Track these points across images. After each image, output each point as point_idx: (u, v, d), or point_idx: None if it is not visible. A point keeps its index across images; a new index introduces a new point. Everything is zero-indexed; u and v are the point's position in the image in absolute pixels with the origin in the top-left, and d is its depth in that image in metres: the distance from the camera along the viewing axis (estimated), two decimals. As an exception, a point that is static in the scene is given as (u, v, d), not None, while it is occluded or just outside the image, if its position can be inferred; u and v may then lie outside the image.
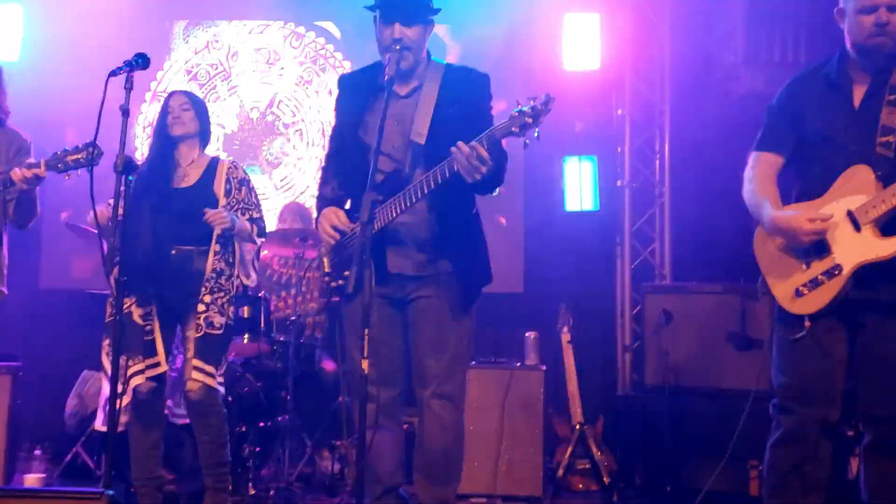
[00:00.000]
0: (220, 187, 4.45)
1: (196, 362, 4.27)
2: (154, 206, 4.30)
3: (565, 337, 5.74)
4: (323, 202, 3.53)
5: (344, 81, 3.67)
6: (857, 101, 3.25)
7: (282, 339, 5.56)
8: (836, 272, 3.13)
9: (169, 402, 4.75)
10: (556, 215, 7.05)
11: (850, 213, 3.14)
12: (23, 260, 6.77)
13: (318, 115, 7.13)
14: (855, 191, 3.15)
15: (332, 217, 3.42)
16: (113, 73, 3.44)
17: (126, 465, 4.42)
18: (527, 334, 5.96)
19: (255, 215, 4.52)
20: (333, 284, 3.49)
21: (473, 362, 5.77)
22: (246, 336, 5.54)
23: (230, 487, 4.56)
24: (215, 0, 7.39)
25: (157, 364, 4.27)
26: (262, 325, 5.52)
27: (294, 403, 5.37)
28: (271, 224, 6.72)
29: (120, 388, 4.18)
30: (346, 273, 3.37)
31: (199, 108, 4.52)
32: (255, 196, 4.57)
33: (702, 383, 5.64)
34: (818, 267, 3.17)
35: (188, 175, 4.47)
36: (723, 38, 6.54)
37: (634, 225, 7.07)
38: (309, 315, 5.71)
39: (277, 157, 7.19)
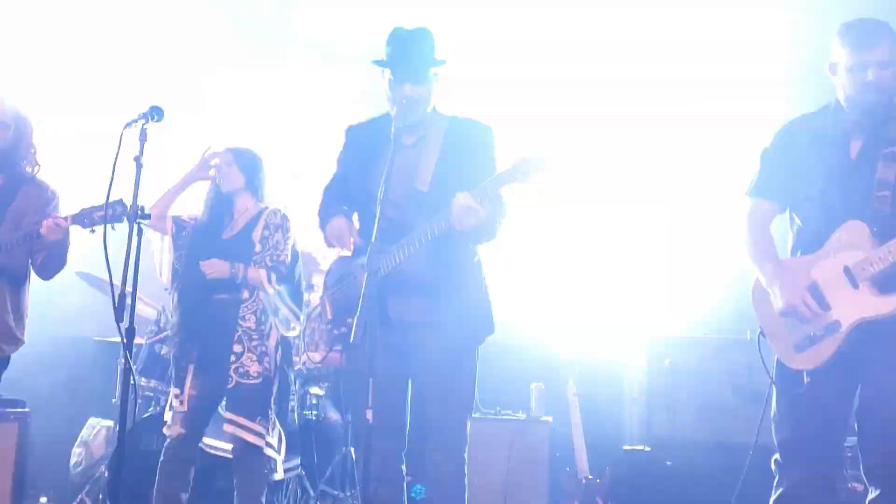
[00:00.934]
0: (258, 234, 4.54)
1: (228, 414, 4.31)
2: (202, 256, 4.42)
3: (571, 389, 5.73)
4: (334, 212, 3.55)
5: (351, 132, 3.74)
6: (853, 155, 3.27)
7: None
8: (836, 328, 3.14)
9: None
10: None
11: (847, 270, 3.15)
12: (32, 307, 6.82)
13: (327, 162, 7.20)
14: (851, 246, 3.16)
15: (343, 224, 3.45)
16: (128, 125, 3.49)
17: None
18: (532, 386, 5.94)
19: (280, 258, 4.52)
20: (336, 332, 3.50)
21: (478, 414, 5.76)
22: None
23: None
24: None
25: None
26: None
27: (300, 452, 5.35)
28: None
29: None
30: (350, 320, 3.39)
31: (243, 163, 4.65)
32: (285, 241, 4.60)
33: (709, 436, 5.60)
34: (817, 323, 3.18)
35: (237, 225, 4.60)
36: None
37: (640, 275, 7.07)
38: (314, 364, 5.71)
39: (285, 206, 7.23)
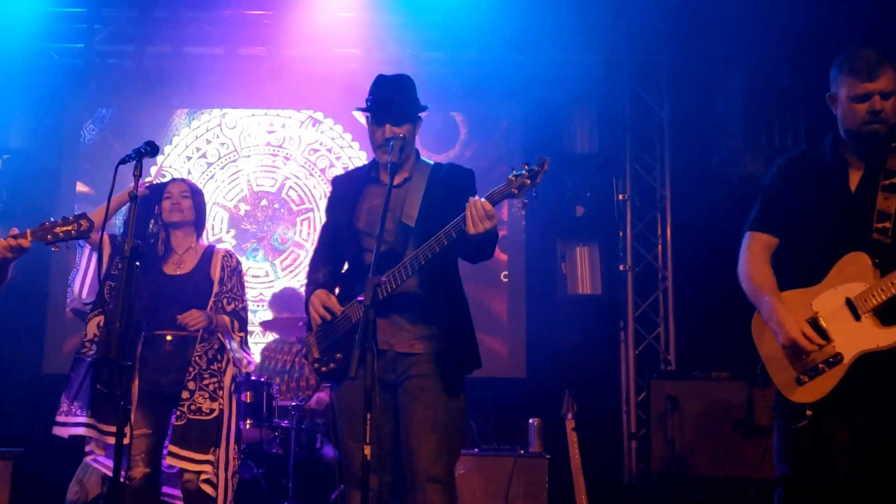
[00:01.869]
0: (215, 273, 4.51)
1: (172, 448, 4.27)
2: (154, 293, 4.35)
3: (570, 424, 5.68)
4: (314, 285, 3.57)
5: (337, 181, 3.82)
6: (852, 186, 3.25)
7: (284, 424, 5.52)
8: (837, 361, 3.11)
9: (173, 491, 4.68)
10: (559, 300, 7.06)
11: (848, 302, 3.13)
12: (25, 346, 6.80)
13: (325, 197, 7.21)
14: (852, 278, 3.15)
15: (323, 298, 3.45)
16: (122, 161, 3.48)
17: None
18: (530, 421, 5.91)
19: (239, 306, 4.53)
20: (324, 369, 3.50)
21: (476, 450, 5.73)
22: (248, 422, 5.49)
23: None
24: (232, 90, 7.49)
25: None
26: (265, 410, 5.48)
27: (295, 490, 5.31)
28: (276, 310, 6.74)
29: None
30: (338, 356, 3.40)
31: (197, 198, 4.61)
32: (242, 287, 4.61)
33: (708, 471, 5.57)
34: (819, 356, 3.15)
35: (184, 262, 4.53)
36: (722, 123, 6.63)
37: (638, 310, 7.07)
38: (305, 401, 5.68)
39: (283, 242, 7.24)
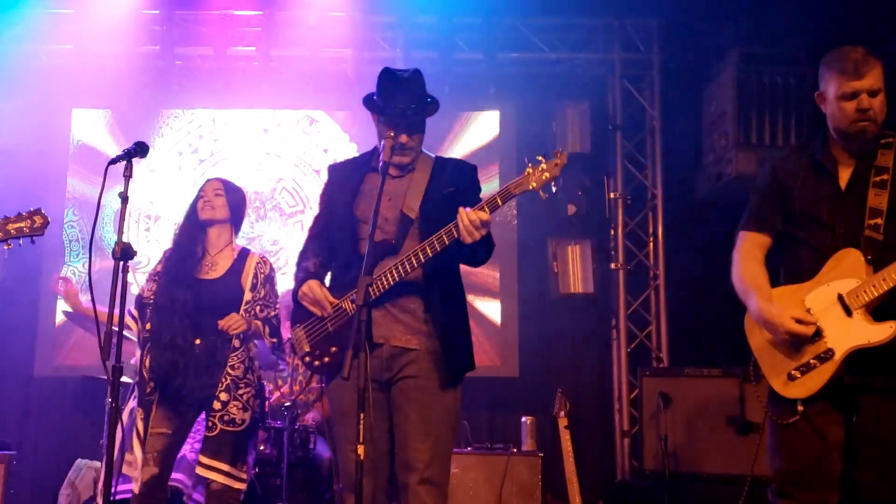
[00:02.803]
0: (247, 281, 4.44)
1: (203, 458, 4.24)
2: (186, 297, 4.30)
3: (562, 422, 5.69)
4: (305, 274, 3.49)
5: (335, 169, 3.75)
6: (843, 183, 3.27)
7: (276, 425, 5.51)
8: (829, 356, 3.12)
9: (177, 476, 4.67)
10: (551, 299, 7.07)
11: (840, 298, 3.14)
12: (17, 348, 6.79)
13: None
14: (845, 274, 3.16)
15: (315, 290, 3.39)
16: (112, 161, 3.47)
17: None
18: (523, 419, 5.92)
19: (271, 314, 4.47)
20: (317, 363, 3.44)
21: (469, 448, 5.74)
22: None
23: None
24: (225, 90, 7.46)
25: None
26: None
27: (289, 491, 5.30)
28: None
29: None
30: (333, 350, 3.35)
31: (232, 196, 4.55)
32: (275, 294, 4.55)
33: (701, 469, 5.58)
34: (810, 351, 3.16)
35: (217, 265, 4.46)
36: (713, 121, 6.64)
37: (629, 308, 7.08)
38: (298, 400, 5.67)
39: (274, 243, 7.23)
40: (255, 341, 4.49)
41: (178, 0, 7.06)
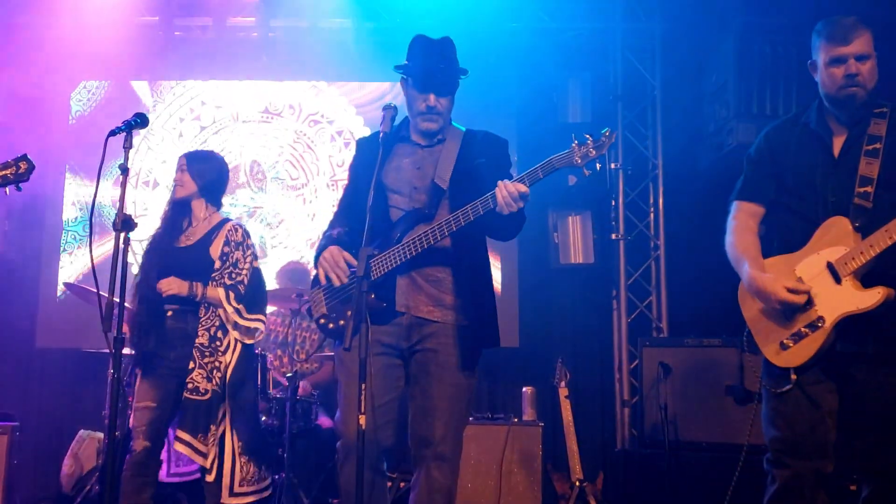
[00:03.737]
0: (216, 249, 4.47)
1: (178, 432, 4.29)
2: (158, 265, 4.36)
3: (563, 392, 5.72)
4: (327, 240, 3.49)
5: (364, 142, 3.75)
6: (836, 152, 3.29)
7: (278, 395, 5.53)
8: (819, 324, 3.14)
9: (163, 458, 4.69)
10: (551, 269, 7.07)
11: (830, 265, 3.16)
12: (19, 320, 6.81)
13: (321, 173, 7.20)
14: (834, 242, 3.17)
15: (336, 254, 3.38)
16: (112, 133, 3.46)
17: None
18: (524, 389, 5.94)
19: (237, 279, 4.47)
20: (331, 326, 3.45)
21: (470, 418, 5.75)
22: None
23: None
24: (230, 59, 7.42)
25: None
26: (259, 382, 5.49)
27: (291, 461, 5.33)
28: (270, 283, 6.74)
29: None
30: (349, 313, 3.33)
31: (195, 168, 4.55)
32: (245, 260, 4.54)
33: (701, 437, 5.61)
34: (801, 320, 3.19)
35: (194, 234, 4.52)
36: (714, 91, 6.62)
37: (630, 278, 7.09)
38: (302, 366, 5.69)
39: (276, 214, 7.22)
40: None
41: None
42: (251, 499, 4.44)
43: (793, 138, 3.39)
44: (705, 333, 5.88)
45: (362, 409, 2.93)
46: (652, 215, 7.16)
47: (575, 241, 7.07)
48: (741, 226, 3.43)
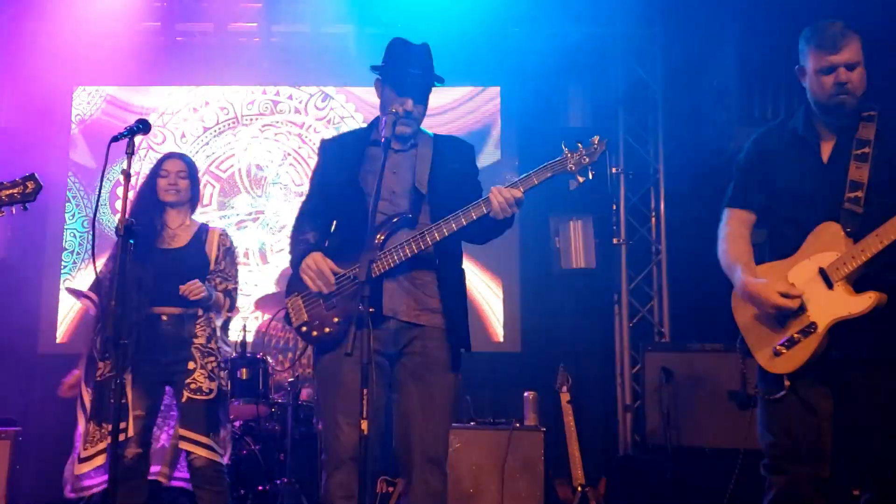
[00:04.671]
0: (212, 250, 4.47)
1: (182, 431, 4.27)
2: (146, 267, 4.24)
3: (565, 397, 5.71)
4: (307, 245, 3.45)
5: (330, 143, 3.72)
6: (825, 157, 3.28)
7: (280, 400, 5.53)
8: (812, 330, 3.13)
9: (155, 469, 4.67)
10: (552, 274, 7.07)
11: (821, 271, 3.15)
12: (21, 324, 6.81)
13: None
14: (825, 247, 3.17)
15: (321, 262, 3.35)
16: (115, 139, 3.47)
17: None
18: (525, 394, 5.94)
19: (231, 287, 4.49)
20: (315, 333, 3.39)
21: (472, 423, 5.75)
22: (244, 398, 5.51)
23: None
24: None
25: (125, 430, 4.22)
26: (261, 387, 5.49)
27: (293, 466, 5.33)
28: (271, 288, 6.75)
29: (86, 453, 4.22)
30: (336, 320, 3.34)
31: (193, 176, 4.55)
32: (236, 267, 4.58)
33: (704, 442, 5.61)
34: (794, 326, 3.18)
35: (178, 236, 4.45)
36: (715, 96, 6.62)
37: (631, 283, 7.09)
38: (304, 371, 5.69)
39: (278, 219, 7.22)
40: None
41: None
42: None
43: (781, 144, 3.38)
44: (707, 338, 5.88)
45: (364, 415, 2.91)
46: (653, 220, 7.17)
47: (576, 245, 7.08)
48: (733, 233, 3.43)
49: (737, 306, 3.38)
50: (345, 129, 7.24)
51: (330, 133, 7.25)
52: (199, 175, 4.66)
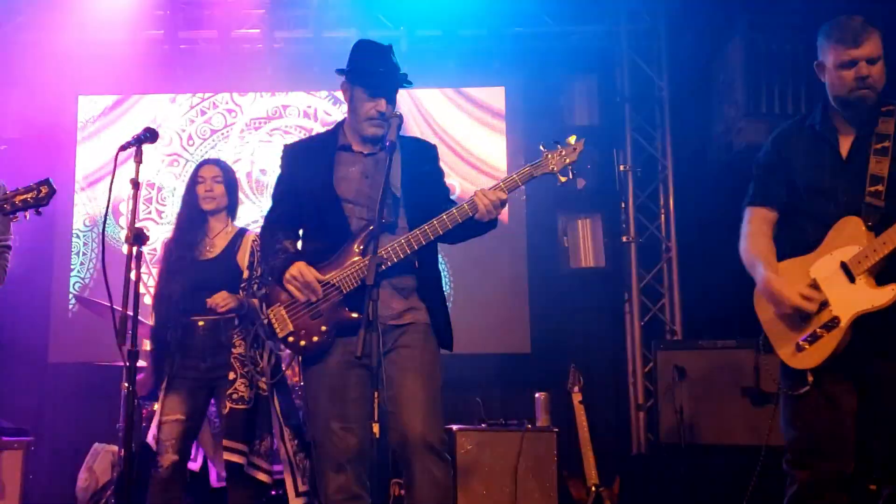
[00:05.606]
0: (243, 259, 4.47)
1: (225, 441, 4.29)
2: (182, 279, 4.35)
3: (577, 397, 5.68)
4: (287, 254, 3.44)
5: (294, 148, 3.70)
6: (844, 152, 3.28)
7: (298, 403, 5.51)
8: (835, 324, 3.12)
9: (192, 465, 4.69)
10: (561, 273, 7.05)
11: (843, 265, 3.14)
12: (31, 336, 6.82)
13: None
14: (847, 242, 3.16)
15: (306, 272, 3.33)
16: (122, 148, 3.47)
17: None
18: (537, 395, 5.92)
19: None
20: (303, 343, 3.38)
21: (483, 425, 5.74)
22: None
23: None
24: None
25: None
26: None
27: (312, 470, 5.31)
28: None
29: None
30: (323, 328, 3.34)
31: (229, 181, 4.56)
32: None
33: (718, 440, 5.58)
34: (816, 321, 3.17)
35: (214, 246, 4.50)
36: (722, 91, 6.60)
37: (642, 281, 7.06)
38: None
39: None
40: None
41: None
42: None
43: (800, 141, 3.39)
44: (720, 335, 5.86)
45: (375, 417, 2.91)
46: (663, 217, 7.14)
47: (585, 244, 7.06)
48: (755, 231, 3.42)
49: (759, 302, 3.37)
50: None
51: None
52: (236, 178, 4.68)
